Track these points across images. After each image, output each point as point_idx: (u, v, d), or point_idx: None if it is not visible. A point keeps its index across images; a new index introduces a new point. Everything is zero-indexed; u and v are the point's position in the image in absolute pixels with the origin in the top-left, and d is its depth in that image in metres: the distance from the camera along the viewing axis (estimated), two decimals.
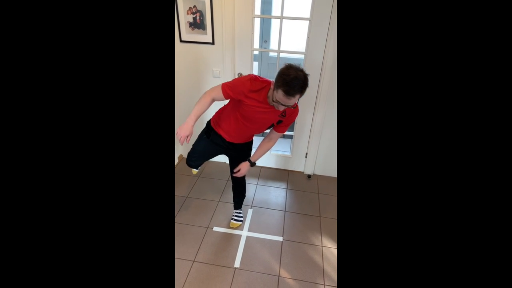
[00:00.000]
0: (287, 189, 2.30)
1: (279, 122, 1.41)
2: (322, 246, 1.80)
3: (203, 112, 1.33)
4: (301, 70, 1.16)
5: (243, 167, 1.57)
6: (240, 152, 1.63)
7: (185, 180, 2.32)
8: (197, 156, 1.69)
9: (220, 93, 1.32)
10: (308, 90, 2.07)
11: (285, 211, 2.07)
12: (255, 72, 2.79)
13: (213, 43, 2.02)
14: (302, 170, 2.49)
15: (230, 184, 2.30)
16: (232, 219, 1.94)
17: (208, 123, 1.60)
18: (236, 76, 2.13)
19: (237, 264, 1.66)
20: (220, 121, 1.53)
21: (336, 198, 2.21)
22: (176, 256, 1.69)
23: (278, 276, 1.61)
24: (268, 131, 1.56)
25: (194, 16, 1.93)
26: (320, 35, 1.90)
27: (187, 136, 1.27)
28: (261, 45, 3.23)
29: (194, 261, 1.67)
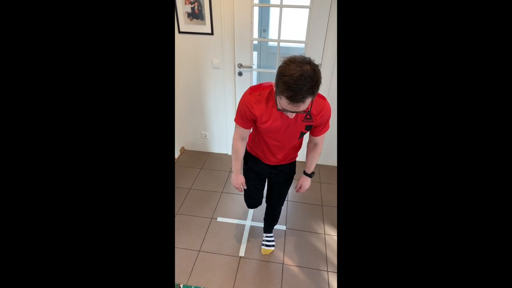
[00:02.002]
0: None
1: (309, 127, 1.11)
2: (324, 234, 1.83)
3: (243, 155, 1.28)
4: (308, 62, 0.84)
5: (305, 183, 1.36)
6: (280, 174, 1.38)
7: (188, 172, 2.34)
8: (250, 196, 1.50)
9: (240, 129, 1.15)
10: None
11: (287, 200, 2.09)
12: (255, 61, 2.76)
13: (212, 33, 1.99)
14: (303, 160, 2.49)
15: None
16: (262, 244, 1.73)
17: (245, 150, 1.35)
18: (236, 67, 2.11)
19: (242, 253, 1.70)
20: (254, 147, 1.32)
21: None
22: (181, 246, 1.72)
23: (282, 263, 1.64)
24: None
25: (192, 6, 1.90)
26: (320, 24, 1.87)
27: (242, 183, 1.34)
28: (259, 35, 3.19)
29: (199, 251, 1.70)
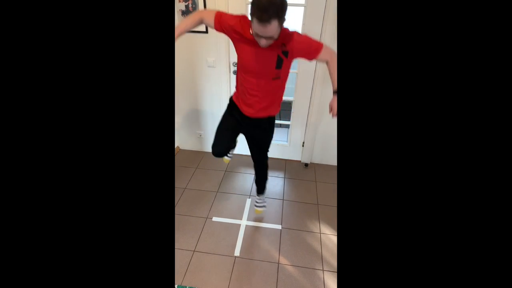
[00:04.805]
0: (284, 178, 2.31)
1: (285, 53, 1.21)
2: (320, 233, 1.83)
3: (187, 27, 1.25)
4: None
5: (335, 103, 1.25)
6: (257, 130, 1.47)
7: (183, 172, 2.32)
8: (219, 139, 1.50)
9: (210, 16, 1.25)
10: (304, 78, 2.05)
11: (283, 199, 2.09)
12: None
13: (206, 31, 1.97)
14: (299, 159, 2.49)
15: (228, 174, 2.32)
16: (255, 205, 1.94)
17: (231, 98, 1.48)
18: (231, 66, 2.10)
19: (237, 252, 1.69)
20: (238, 95, 1.41)
21: (333, 185, 2.23)
22: (176, 246, 1.70)
23: (278, 263, 1.63)
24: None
25: (187, 3, 1.88)
26: (315, 21, 1.86)
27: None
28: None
29: (194, 251, 1.68)
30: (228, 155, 1.69)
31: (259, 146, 1.58)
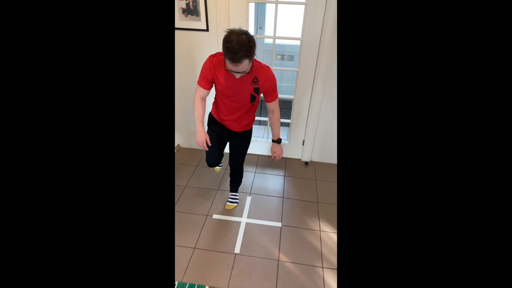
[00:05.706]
0: (285, 176, 2.32)
1: (257, 90, 1.39)
2: (320, 231, 1.84)
3: (203, 114, 1.46)
4: (244, 33, 1.15)
5: (276, 149, 1.60)
6: (238, 139, 1.65)
7: (183, 170, 2.33)
8: (210, 154, 1.70)
9: (200, 89, 1.42)
10: (304, 78, 2.06)
11: (283, 197, 2.10)
12: None
13: (207, 29, 1.98)
14: (299, 157, 2.50)
15: (228, 171, 2.32)
16: (227, 201, 2.01)
17: (210, 114, 1.67)
18: None
19: (237, 250, 1.70)
20: (216, 110, 1.59)
21: (333, 183, 2.24)
22: (177, 243, 1.72)
23: (278, 260, 1.65)
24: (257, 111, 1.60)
25: (187, 1, 1.89)
26: (316, 20, 1.87)
27: (206, 140, 1.46)
28: (256, 32, 3.17)
29: (195, 248, 1.70)
30: (220, 164, 1.88)
31: (238, 153, 1.75)
